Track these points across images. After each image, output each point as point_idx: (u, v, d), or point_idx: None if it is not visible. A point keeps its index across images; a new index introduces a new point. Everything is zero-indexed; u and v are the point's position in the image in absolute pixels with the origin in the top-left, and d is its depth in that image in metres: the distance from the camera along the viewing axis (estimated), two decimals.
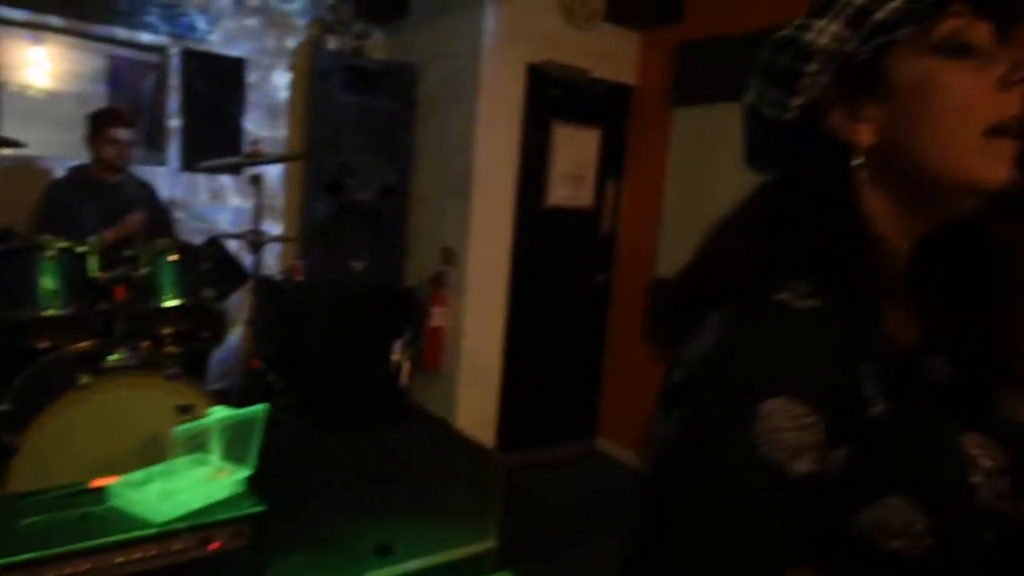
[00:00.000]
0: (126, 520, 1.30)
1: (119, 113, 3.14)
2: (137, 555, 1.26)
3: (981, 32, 0.62)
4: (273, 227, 4.03)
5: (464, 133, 3.55)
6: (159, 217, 3.26)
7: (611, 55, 3.84)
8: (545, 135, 3.77)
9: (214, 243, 3.26)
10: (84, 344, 2.25)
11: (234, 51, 3.82)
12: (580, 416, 4.24)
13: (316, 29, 3.88)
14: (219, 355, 3.47)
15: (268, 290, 3.88)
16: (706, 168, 3.61)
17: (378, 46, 4.18)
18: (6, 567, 1.14)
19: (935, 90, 0.61)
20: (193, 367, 2.72)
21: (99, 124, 3.05)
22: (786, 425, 0.53)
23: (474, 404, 3.75)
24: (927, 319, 0.69)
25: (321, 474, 2.72)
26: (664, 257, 3.85)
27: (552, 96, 3.71)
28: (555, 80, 3.64)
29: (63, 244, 2.17)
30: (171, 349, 2.55)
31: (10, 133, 3.06)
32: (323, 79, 3.74)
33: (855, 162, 0.64)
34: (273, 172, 4.03)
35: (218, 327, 2.82)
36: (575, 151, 3.90)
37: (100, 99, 3.57)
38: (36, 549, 1.17)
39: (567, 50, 3.64)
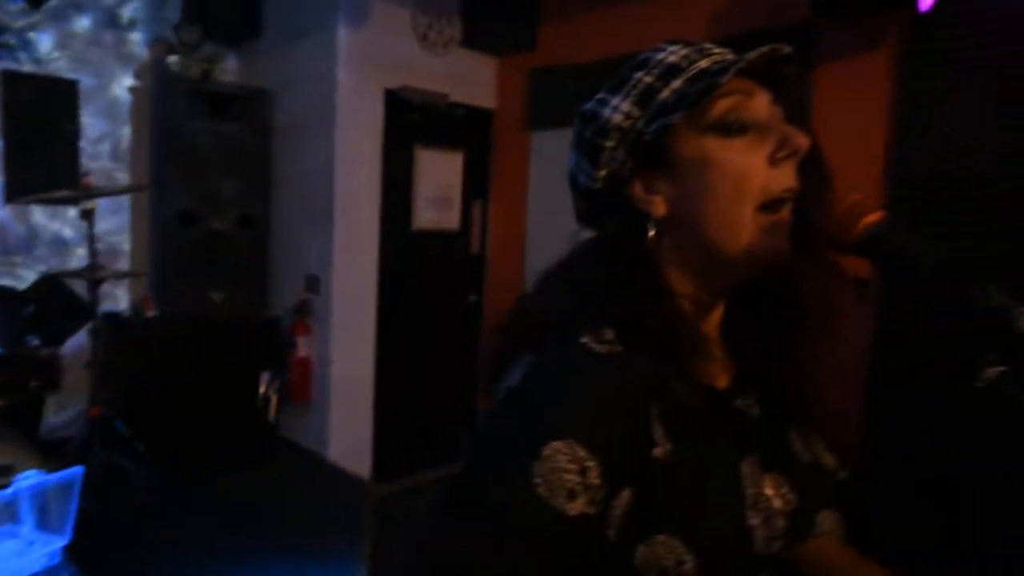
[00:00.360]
0: None
1: None
2: None
3: (756, 107, 0.67)
4: (122, 261, 3.77)
5: (324, 159, 3.48)
6: None
7: (470, 80, 3.90)
8: (408, 159, 3.77)
9: (44, 283, 3.01)
10: None
11: (68, 73, 3.55)
12: (457, 438, 4.24)
13: (160, 51, 3.68)
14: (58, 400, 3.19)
15: (115, 328, 3.61)
16: (564, 189, 3.72)
17: (232, 70, 4.02)
18: None
19: (711, 167, 0.66)
20: (25, 420, 2.50)
21: None
22: (567, 467, 0.55)
23: (347, 435, 3.66)
24: (740, 365, 0.74)
25: (172, 525, 2.56)
26: (531, 276, 3.93)
27: (413, 121, 3.72)
28: (414, 105, 3.65)
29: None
30: None
31: None
32: (169, 104, 3.55)
33: (650, 232, 0.69)
34: (123, 202, 3.78)
35: (49, 374, 2.60)
36: (439, 174, 3.92)
37: None
38: None
39: (425, 75, 3.66)
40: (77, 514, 1.39)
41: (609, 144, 0.69)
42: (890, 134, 2.58)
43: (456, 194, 4.02)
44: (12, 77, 3.39)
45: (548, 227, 3.85)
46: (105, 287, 3.66)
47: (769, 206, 0.65)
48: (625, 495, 0.60)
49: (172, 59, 3.56)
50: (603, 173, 0.71)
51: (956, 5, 2.37)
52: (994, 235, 2.32)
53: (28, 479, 1.40)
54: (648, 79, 0.68)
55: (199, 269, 3.65)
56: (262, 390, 3.70)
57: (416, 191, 3.83)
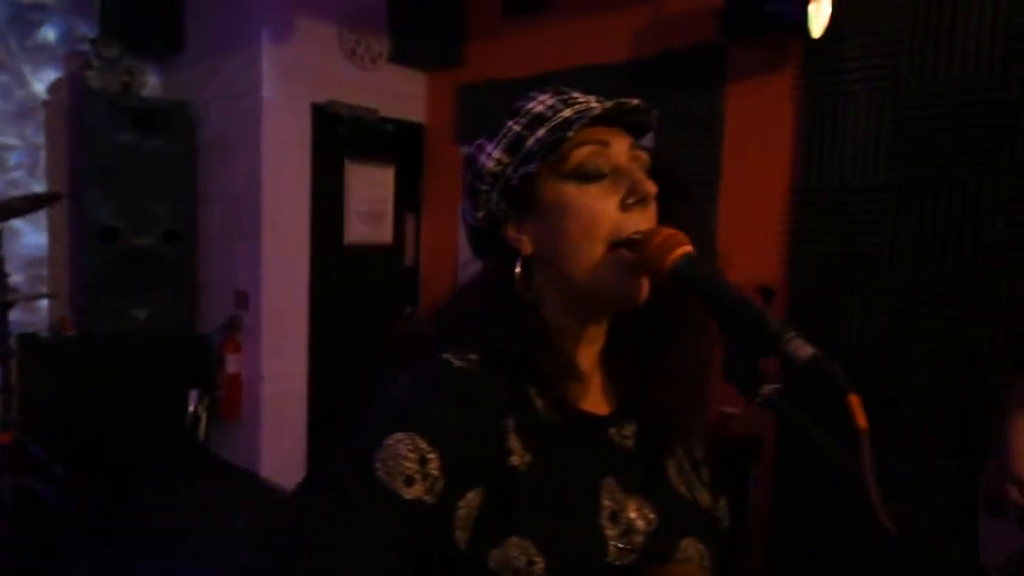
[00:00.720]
0: None
1: None
2: None
3: (613, 155, 0.73)
4: (36, 282, 3.65)
5: (251, 174, 3.46)
6: None
7: (400, 95, 3.94)
8: (338, 174, 3.77)
9: None
10: None
11: None
12: None
13: (75, 64, 3.59)
14: None
15: (32, 350, 3.50)
16: None
17: (155, 85, 3.95)
18: None
19: (567, 210, 0.72)
20: None
21: None
22: (407, 455, 0.61)
23: (280, 451, 3.63)
24: (621, 391, 0.80)
25: (93, 549, 2.50)
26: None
27: (343, 135, 3.72)
28: (343, 119, 3.67)
29: None
30: None
31: None
32: (88, 117, 3.47)
33: (517, 268, 0.74)
34: (40, 220, 3.66)
35: None
36: (370, 188, 3.94)
37: None
38: None
39: (354, 90, 3.68)
40: None
41: (484, 188, 0.75)
42: (795, 148, 2.74)
43: (388, 207, 4.04)
44: None
45: None
46: (25, 308, 3.55)
47: (618, 244, 0.71)
48: (472, 497, 0.65)
49: (90, 73, 3.48)
50: (481, 214, 0.77)
51: (844, 29, 2.54)
52: (888, 236, 2.51)
53: None
54: (516, 128, 0.74)
55: (122, 287, 3.57)
56: (191, 408, 3.64)
57: (347, 205, 3.84)
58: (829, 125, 2.64)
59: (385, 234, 4.04)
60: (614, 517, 0.70)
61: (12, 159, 3.60)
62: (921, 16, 2.41)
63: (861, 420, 0.54)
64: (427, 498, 0.62)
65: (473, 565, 0.65)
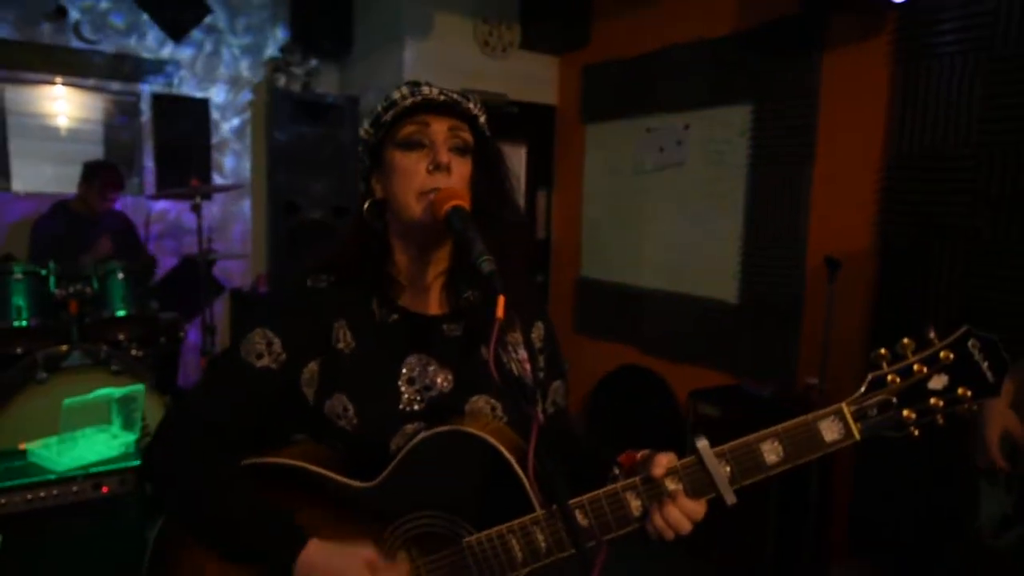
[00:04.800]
0: (35, 470, 1.78)
1: (117, 176, 3.66)
2: (42, 494, 1.74)
3: (431, 132, 1.00)
4: (240, 245, 4.56)
5: None
6: (132, 241, 3.79)
7: (530, 79, 4.26)
8: None
9: (184, 263, 3.79)
10: (51, 348, 2.75)
11: (200, 93, 4.36)
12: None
13: (270, 68, 4.39)
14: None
15: (237, 302, 4.41)
16: (612, 176, 4.01)
17: (332, 81, 4.68)
18: None
19: (395, 169, 1.01)
20: (160, 372, 3.22)
21: (97, 180, 3.56)
22: (258, 341, 0.98)
23: None
24: (457, 298, 1.09)
25: None
26: (586, 257, 4.26)
27: None
28: None
29: (28, 268, 2.69)
30: (135, 352, 3.06)
31: (44, 172, 3.68)
32: (276, 113, 4.25)
33: (365, 206, 1.05)
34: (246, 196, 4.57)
35: (173, 333, 3.32)
36: None
37: (98, 138, 4.17)
38: None
39: (486, 77, 4.08)
40: None
41: (360, 150, 1.08)
42: (889, 115, 2.64)
43: (520, 185, 4.40)
44: (158, 97, 4.24)
45: (599, 211, 4.14)
46: (227, 267, 4.48)
47: (423, 194, 0.99)
48: (312, 367, 1.00)
49: (279, 75, 4.25)
50: (361, 167, 1.09)
51: None
52: (980, 202, 2.37)
53: (101, 391, 2.00)
54: (379, 109, 1.03)
55: (300, 252, 4.34)
56: None
57: None
58: (922, 91, 2.52)
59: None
60: (412, 381, 1.02)
61: (219, 151, 4.51)
62: None
63: (499, 312, 0.80)
64: (273, 366, 0.97)
65: (318, 414, 1.00)
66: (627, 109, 3.87)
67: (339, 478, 0.95)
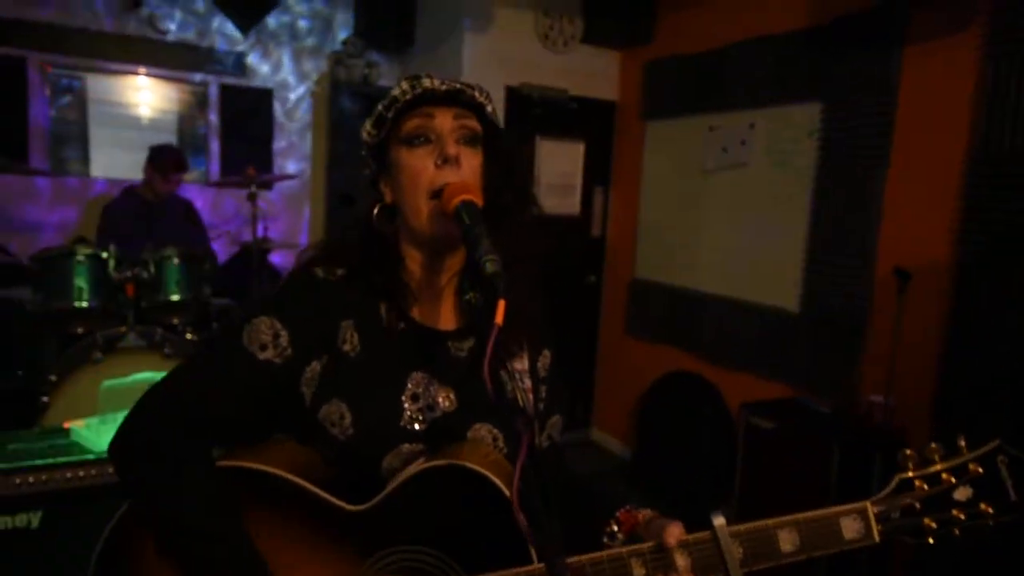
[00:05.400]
0: (77, 449, 1.82)
1: (179, 158, 3.75)
2: (81, 473, 1.77)
3: (436, 125, 0.94)
4: (299, 234, 4.64)
5: None
6: (197, 234, 3.88)
7: (591, 74, 4.17)
8: (529, 150, 4.14)
9: (242, 250, 3.87)
10: (108, 330, 2.84)
11: (264, 84, 4.44)
12: (575, 407, 4.57)
13: (332, 61, 4.43)
14: None
15: None
16: (672, 175, 3.88)
17: (392, 74, 4.69)
18: None
19: (401, 168, 0.95)
20: None
21: (162, 164, 3.66)
22: (264, 331, 0.90)
23: None
24: (469, 313, 1.02)
25: None
26: (641, 258, 4.14)
27: (535, 114, 4.08)
28: (534, 100, 4.02)
29: (89, 250, 2.78)
30: (190, 336, 3.14)
31: (120, 158, 3.83)
32: (336, 105, 4.30)
33: (374, 211, 0.99)
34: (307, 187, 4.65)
35: (225, 318, 3.39)
36: (560, 163, 4.25)
37: (172, 127, 4.32)
38: (10, 462, 1.71)
39: (546, 71, 4.01)
40: None
41: (364, 153, 1.02)
42: (975, 114, 2.44)
43: (577, 181, 4.32)
44: (226, 88, 4.34)
45: (657, 211, 4.02)
46: (288, 256, 4.55)
47: (435, 194, 0.92)
48: (315, 365, 0.93)
49: (340, 68, 4.29)
50: (367, 171, 1.03)
51: None
52: None
53: (137, 375, 2.03)
54: (380, 108, 0.96)
55: None
56: None
57: (538, 179, 4.20)
58: (1014, 90, 2.31)
59: (573, 205, 4.34)
60: (415, 398, 0.94)
61: (282, 141, 4.59)
62: None
63: (499, 318, 0.73)
64: (276, 360, 0.90)
65: (311, 418, 0.93)
66: (690, 107, 3.73)
67: (325, 496, 0.88)
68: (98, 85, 4.25)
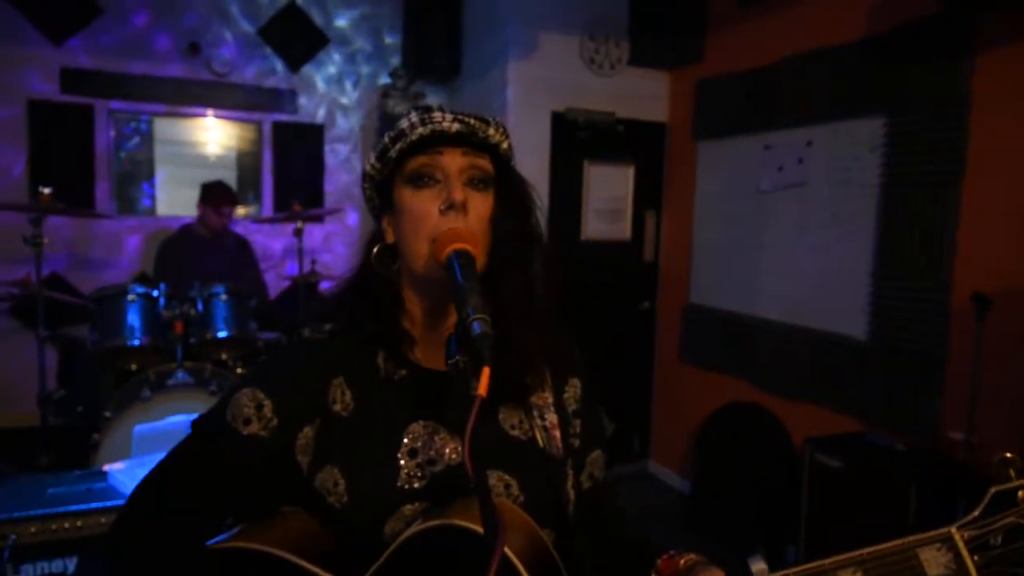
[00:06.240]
0: (114, 493, 1.82)
1: (229, 192, 3.83)
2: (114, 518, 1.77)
3: (444, 164, 0.86)
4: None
5: None
6: (250, 270, 3.95)
7: (640, 96, 4.07)
8: (577, 174, 4.06)
9: (293, 285, 3.90)
10: (160, 367, 2.89)
11: (313, 120, 4.53)
12: (631, 438, 4.41)
13: (379, 95, 4.48)
14: None
15: None
16: (727, 196, 3.72)
17: (441, 104, 4.71)
18: (29, 519, 1.70)
19: (404, 210, 0.88)
20: None
21: (212, 198, 3.75)
22: (247, 404, 0.85)
23: None
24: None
25: None
26: (696, 282, 3.98)
27: (582, 139, 4.00)
28: (580, 124, 3.94)
29: (140, 289, 2.84)
30: (240, 371, 3.16)
31: (174, 195, 3.96)
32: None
33: (373, 251, 0.92)
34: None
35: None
36: (609, 187, 4.15)
37: (232, 164, 4.45)
38: (49, 507, 1.72)
39: (592, 95, 3.93)
40: None
41: (366, 187, 0.94)
42: None
43: (627, 205, 4.21)
44: (278, 125, 4.44)
45: (711, 234, 3.86)
46: None
47: (436, 240, 0.83)
48: (308, 431, 0.86)
49: (388, 100, 4.33)
50: (370, 206, 0.96)
51: None
52: None
53: (171, 418, 2.02)
54: (386, 140, 0.88)
55: None
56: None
57: (586, 204, 4.11)
58: None
59: (623, 230, 4.22)
60: (413, 453, 0.86)
61: (332, 176, 4.66)
62: None
63: (482, 388, 0.65)
64: (262, 433, 0.84)
65: (309, 487, 0.86)
66: (743, 125, 3.58)
67: (320, 573, 0.81)
68: (165, 127, 4.42)
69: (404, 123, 0.87)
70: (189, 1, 4.27)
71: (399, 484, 0.85)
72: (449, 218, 0.84)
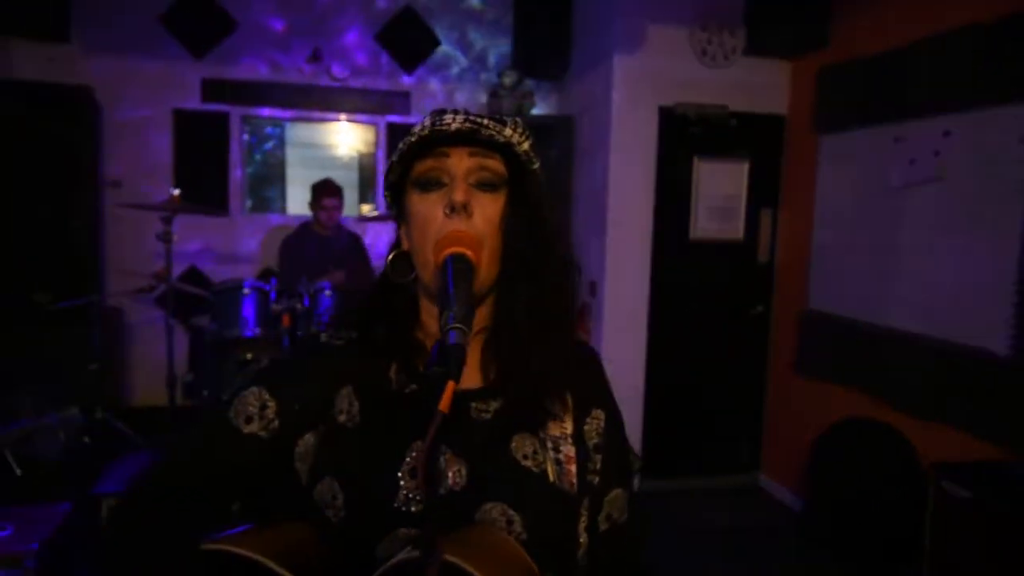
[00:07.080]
0: None
1: (330, 185, 4.05)
2: None
3: (450, 166, 0.83)
4: None
5: (601, 176, 3.86)
6: (361, 266, 4.12)
7: (756, 87, 3.83)
8: (686, 171, 3.89)
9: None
10: (269, 356, 3.08)
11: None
12: (740, 449, 4.18)
13: (489, 93, 4.52)
14: None
15: None
16: (851, 193, 3.43)
17: (550, 102, 4.69)
18: None
19: (412, 215, 0.85)
20: None
21: (316, 194, 3.99)
22: (251, 403, 0.84)
23: None
24: (496, 371, 0.89)
25: None
26: (815, 286, 3.69)
27: (692, 134, 3.83)
28: (690, 119, 3.77)
29: (254, 284, 3.04)
30: None
31: (302, 195, 4.21)
32: None
33: (389, 258, 0.90)
34: None
35: None
36: (721, 184, 3.94)
37: (354, 165, 4.68)
38: None
39: (704, 88, 3.75)
40: None
41: (387, 193, 0.92)
42: None
43: (740, 203, 3.98)
44: (392, 126, 4.60)
45: (833, 234, 3.57)
46: None
47: (439, 243, 0.80)
48: (309, 438, 0.84)
49: (494, 100, 4.36)
50: (392, 213, 0.94)
51: None
52: None
53: None
54: (402, 146, 0.86)
55: None
56: None
57: (696, 201, 3.93)
58: None
59: (736, 230, 3.99)
60: (414, 473, 0.80)
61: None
62: None
63: (444, 404, 0.61)
64: (262, 434, 0.83)
65: (307, 498, 0.84)
66: (871, 115, 3.27)
67: None
68: (295, 131, 4.72)
69: (418, 125, 0.85)
70: (313, 11, 4.52)
71: (396, 505, 0.80)
72: (453, 220, 0.81)
